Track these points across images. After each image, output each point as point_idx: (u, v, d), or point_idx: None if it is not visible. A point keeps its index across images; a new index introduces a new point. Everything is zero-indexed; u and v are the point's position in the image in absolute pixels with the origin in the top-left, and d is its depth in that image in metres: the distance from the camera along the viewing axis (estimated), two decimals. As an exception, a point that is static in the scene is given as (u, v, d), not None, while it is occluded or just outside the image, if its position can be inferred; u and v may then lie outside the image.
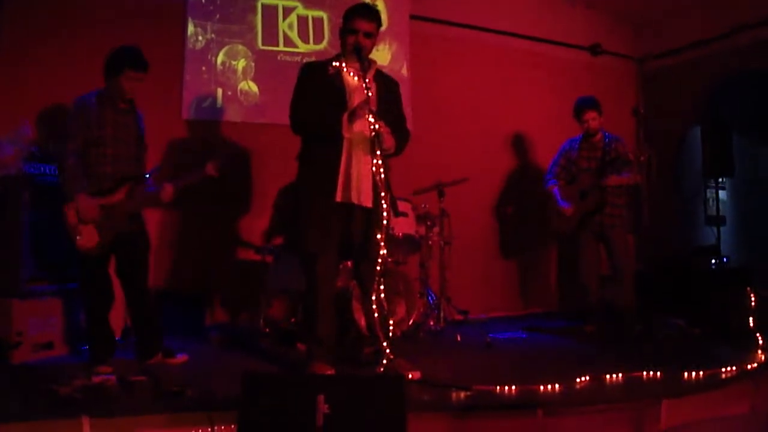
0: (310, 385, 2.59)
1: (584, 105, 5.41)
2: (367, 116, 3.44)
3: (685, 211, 7.17)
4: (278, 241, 5.62)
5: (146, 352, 4.06)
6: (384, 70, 3.98)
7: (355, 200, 3.62)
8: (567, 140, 5.61)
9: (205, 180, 4.01)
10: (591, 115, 5.35)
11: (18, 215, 4.20)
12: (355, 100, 3.62)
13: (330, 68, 3.72)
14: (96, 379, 3.47)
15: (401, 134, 3.76)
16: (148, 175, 4.07)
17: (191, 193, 5.31)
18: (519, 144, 6.96)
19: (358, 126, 3.58)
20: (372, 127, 3.41)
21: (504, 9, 6.98)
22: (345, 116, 3.57)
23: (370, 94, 3.47)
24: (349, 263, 4.42)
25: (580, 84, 6.74)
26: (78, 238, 3.78)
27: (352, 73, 3.71)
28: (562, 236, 5.56)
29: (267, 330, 4.87)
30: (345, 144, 3.62)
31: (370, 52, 3.73)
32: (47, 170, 4.40)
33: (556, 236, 5.78)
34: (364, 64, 3.62)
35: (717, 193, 6.60)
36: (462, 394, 3.19)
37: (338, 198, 3.61)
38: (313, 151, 3.74)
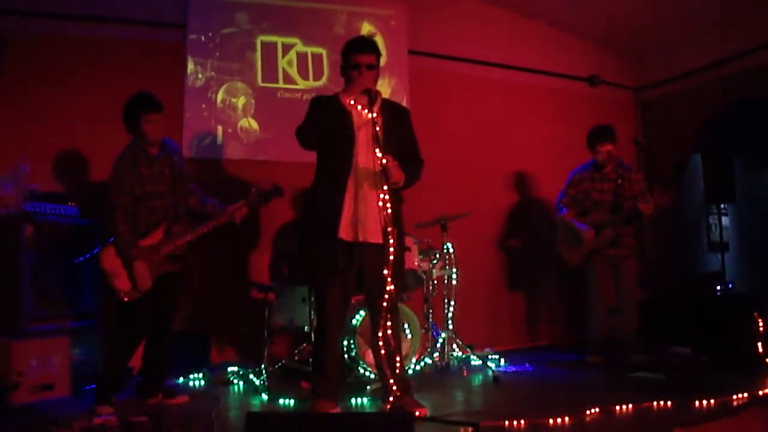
0: (316, 424, 2.55)
1: (600, 136, 5.32)
2: (373, 150, 3.39)
3: (687, 238, 7.14)
4: (280, 278, 5.59)
5: (149, 391, 4.02)
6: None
7: (361, 238, 3.56)
8: (575, 169, 5.54)
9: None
10: (607, 147, 5.29)
11: (18, 254, 4.17)
12: (362, 134, 3.60)
13: (346, 104, 3.64)
14: (97, 420, 3.44)
15: (413, 164, 3.72)
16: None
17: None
18: (520, 176, 6.96)
19: (363, 161, 3.56)
20: (380, 161, 3.35)
21: (502, 42, 7.04)
22: None
23: (378, 128, 3.37)
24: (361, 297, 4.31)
25: (579, 114, 6.78)
26: (117, 282, 3.78)
27: (358, 105, 3.62)
28: (571, 266, 5.47)
29: (270, 368, 4.81)
30: (351, 180, 3.58)
31: (375, 83, 3.67)
32: (47, 209, 4.39)
33: (563, 265, 5.60)
34: (372, 98, 3.53)
35: (720, 220, 6.56)
36: (470, 431, 3.14)
37: (341, 236, 3.56)
38: (319, 187, 3.69)
